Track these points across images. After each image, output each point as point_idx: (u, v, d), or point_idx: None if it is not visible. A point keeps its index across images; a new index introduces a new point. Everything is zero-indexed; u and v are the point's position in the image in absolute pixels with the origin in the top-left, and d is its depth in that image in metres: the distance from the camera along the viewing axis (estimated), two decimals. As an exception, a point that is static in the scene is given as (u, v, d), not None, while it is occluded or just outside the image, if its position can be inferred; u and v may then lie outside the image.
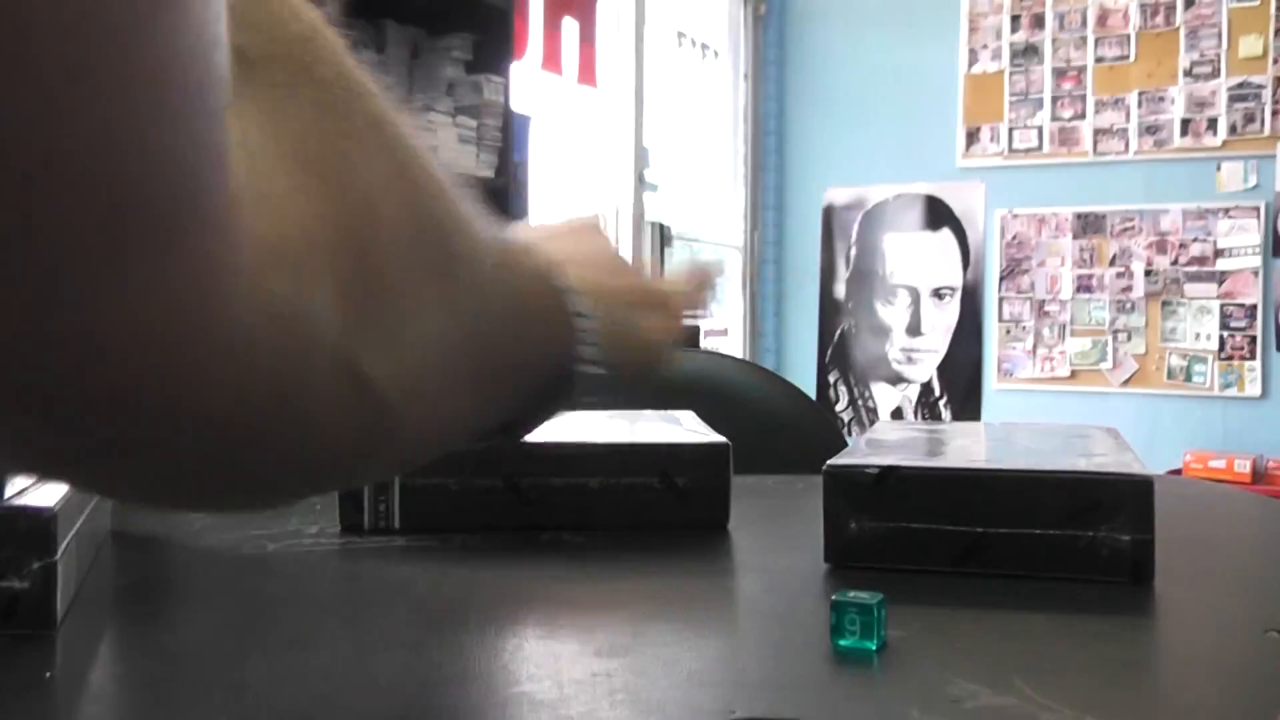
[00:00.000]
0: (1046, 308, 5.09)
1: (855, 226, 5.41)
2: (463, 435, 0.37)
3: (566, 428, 0.55)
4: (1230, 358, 4.78)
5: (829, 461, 0.53)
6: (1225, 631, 0.43)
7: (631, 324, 0.43)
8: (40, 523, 0.41)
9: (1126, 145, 4.92)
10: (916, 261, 5.30)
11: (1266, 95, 4.72)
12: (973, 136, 5.19)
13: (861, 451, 0.56)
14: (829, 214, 5.45)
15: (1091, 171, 4.98)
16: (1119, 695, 0.36)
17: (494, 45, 3.45)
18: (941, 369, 5.28)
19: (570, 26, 4.29)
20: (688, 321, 0.49)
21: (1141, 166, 4.90)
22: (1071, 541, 0.49)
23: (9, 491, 0.42)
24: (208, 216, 0.21)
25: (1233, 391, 4.77)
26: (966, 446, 0.60)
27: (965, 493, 0.51)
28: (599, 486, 0.60)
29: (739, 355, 5.11)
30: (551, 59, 4.20)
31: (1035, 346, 5.10)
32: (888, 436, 0.63)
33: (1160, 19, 4.90)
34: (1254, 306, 4.74)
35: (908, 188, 5.28)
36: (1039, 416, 4.87)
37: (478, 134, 3.38)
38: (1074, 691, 0.35)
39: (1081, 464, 0.51)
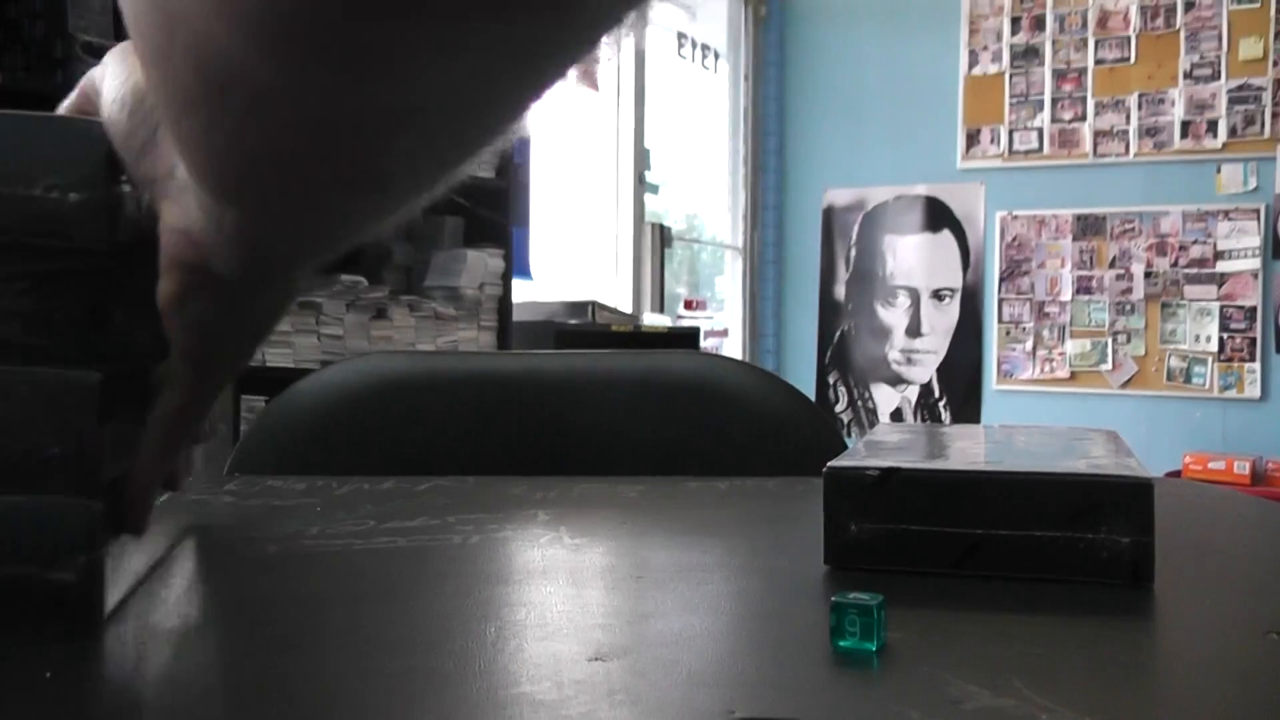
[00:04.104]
0: (1046, 309, 5.09)
1: (855, 227, 5.40)
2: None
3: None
4: (1230, 359, 4.77)
5: (829, 463, 0.53)
6: (1225, 633, 0.43)
7: None
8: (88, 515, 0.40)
9: (1126, 147, 4.91)
10: (916, 263, 5.30)
11: (1266, 97, 4.72)
12: (973, 138, 5.18)
13: (861, 453, 0.56)
14: (829, 215, 5.45)
15: (1091, 173, 4.97)
16: (1119, 697, 0.36)
17: (494, 46, 3.44)
18: (941, 370, 5.28)
19: (571, 27, 4.28)
20: None
21: (1141, 168, 4.90)
22: (1072, 543, 0.49)
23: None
24: None
25: (1232, 393, 4.77)
26: (966, 448, 0.60)
27: (965, 495, 0.51)
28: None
29: (739, 356, 5.11)
30: (552, 59, 4.20)
31: (1035, 348, 5.10)
32: (887, 438, 0.63)
33: (1160, 21, 4.90)
34: (1254, 308, 4.74)
35: (908, 189, 5.28)
36: (1038, 418, 4.87)
37: (478, 134, 3.37)
38: (1074, 693, 0.35)
39: (1081, 466, 0.51)
